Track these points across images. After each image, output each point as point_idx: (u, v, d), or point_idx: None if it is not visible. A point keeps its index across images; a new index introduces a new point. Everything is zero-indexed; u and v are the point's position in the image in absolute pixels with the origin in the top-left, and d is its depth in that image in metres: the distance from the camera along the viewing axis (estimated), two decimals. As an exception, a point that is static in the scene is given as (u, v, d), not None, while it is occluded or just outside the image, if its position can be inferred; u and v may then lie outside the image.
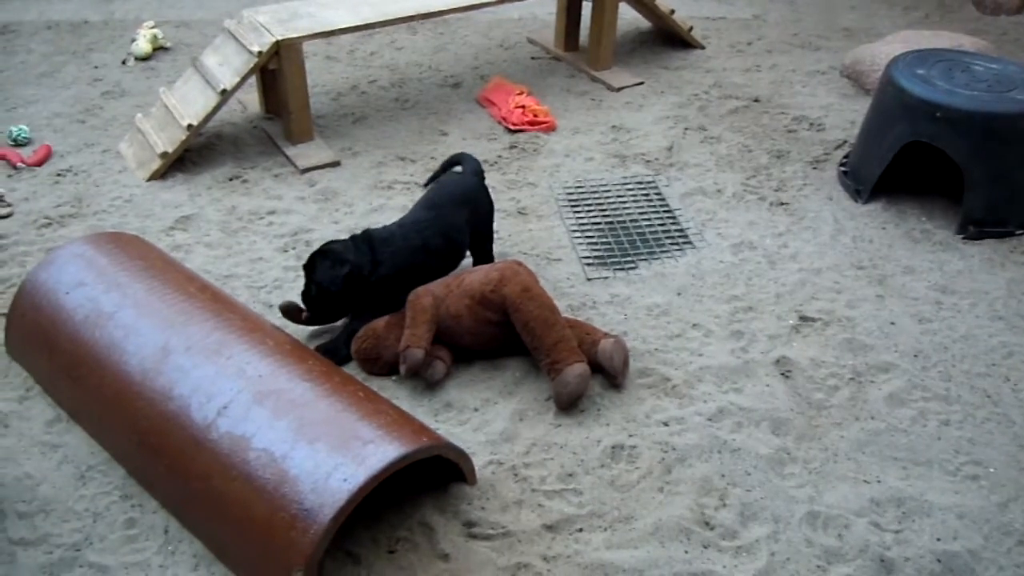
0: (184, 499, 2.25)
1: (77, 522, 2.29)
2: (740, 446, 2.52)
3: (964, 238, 3.43)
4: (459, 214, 2.98)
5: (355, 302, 2.84)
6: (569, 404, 2.61)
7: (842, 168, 3.84)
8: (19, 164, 3.77)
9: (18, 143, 3.94)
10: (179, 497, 2.27)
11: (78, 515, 2.31)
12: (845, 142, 4.09)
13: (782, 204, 3.65)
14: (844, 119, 4.32)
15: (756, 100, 4.51)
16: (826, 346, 2.89)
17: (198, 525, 2.24)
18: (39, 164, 3.79)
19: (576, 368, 2.58)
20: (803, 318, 3.01)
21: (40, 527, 2.27)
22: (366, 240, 2.86)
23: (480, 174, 3.16)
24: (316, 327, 2.94)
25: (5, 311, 2.85)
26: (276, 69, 3.78)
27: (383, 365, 2.74)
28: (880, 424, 2.61)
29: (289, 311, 2.87)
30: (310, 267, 2.81)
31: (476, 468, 2.38)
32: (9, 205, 3.47)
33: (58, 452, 2.48)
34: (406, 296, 2.78)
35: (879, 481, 2.43)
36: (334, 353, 2.81)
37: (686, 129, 4.22)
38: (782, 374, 2.78)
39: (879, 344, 2.91)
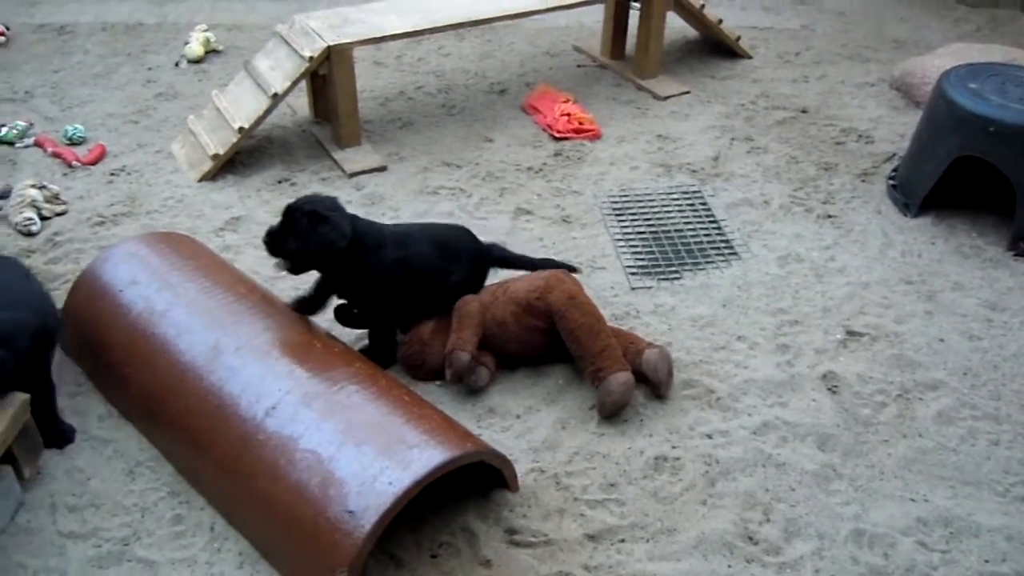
0: (231, 497, 2.28)
1: (126, 517, 2.33)
2: (785, 461, 2.50)
3: (1015, 255, 3.38)
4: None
5: (330, 272, 2.66)
6: (613, 413, 2.60)
7: (891, 181, 3.80)
8: (74, 163, 3.86)
9: (73, 142, 4.02)
10: (226, 496, 2.30)
11: (127, 510, 2.35)
12: (894, 155, 4.04)
13: (830, 217, 3.61)
14: (893, 132, 4.27)
15: (804, 111, 4.48)
16: (874, 362, 2.86)
17: (244, 523, 2.27)
18: (93, 163, 3.87)
19: (620, 376, 2.58)
20: (850, 333, 2.98)
21: (89, 521, 2.32)
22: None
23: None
24: (358, 330, 2.96)
25: (60, 306, 2.90)
26: (326, 74, 3.82)
27: (428, 371, 2.76)
28: (928, 442, 2.58)
29: (341, 316, 2.89)
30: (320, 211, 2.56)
31: (518, 475, 2.39)
32: (64, 203, 3.55)
33: (108, 447, 2.53)
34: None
35: (926, 500, 2.40)
36: (375, 357, 2.84)
37: (732, 139, 4.20)
38: (829, 389, 2.75)
39: (928, 361, 2.87)
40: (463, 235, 2.92)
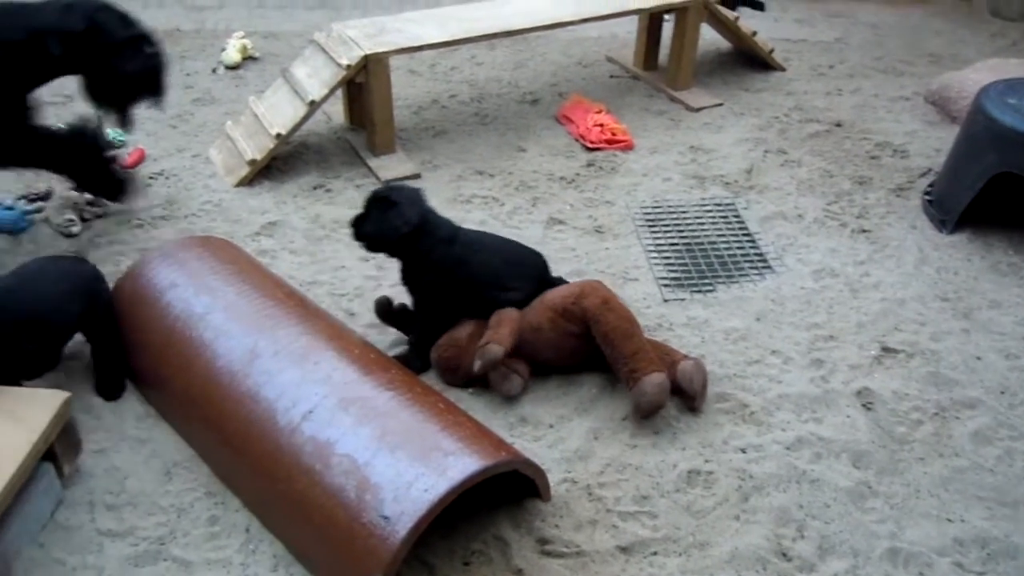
0: (266, 500, 2.30)
1: (162, 516, 2.36)
2: (819, 477, 2.48)
3: (1054, 274, 3.35)
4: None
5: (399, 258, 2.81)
6: (648, 414, 2.60)
7: (927, 197, 3.77)
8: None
9: (114, 146, 4.07)
10: (262, 498, 2.32)
11: (163, 510, 2.37)
12: (930, 170, 4.01)
13: (864, 231, 3.59)
14: (929, 146, 4.24)
15: (838, 124, 4.46)
16: (909, 379, 2.84)
17: (279, 526, 2.29)
18: (133, 167, 3.92)
19: (655, 377, 2.57)
20: (885, 349, 2.96)
21: (127, 519, 2.35)
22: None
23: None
24: (397, 337, 2.98)
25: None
26: (363, 82, 3.85)
27: (463, 374, 2.77)
28: (964, 461, 2.55)
29: (382, 309, 2.93)
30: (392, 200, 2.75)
31: (551, 485, 2.39)
32: (104, 205, 3.60)
33: (146, 447, 2.56)
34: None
35: (963, 520, 2.38)
36: (408, 363, 2.86)
37: (766, 152, 4.19)
38: (863, 405, 2.73)
39: (964, 379, 2.84)
40: (536, 261, 2.97)
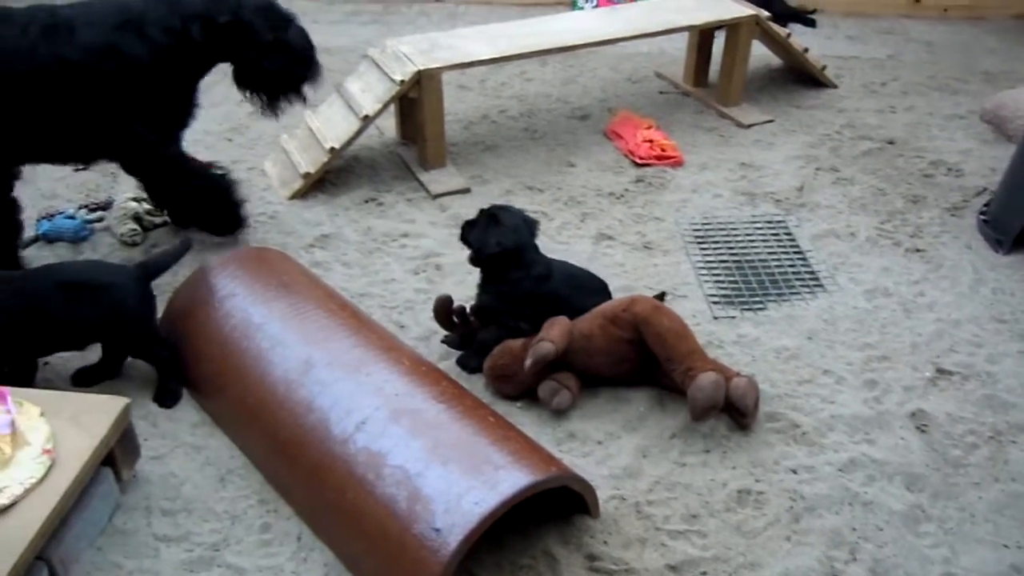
0: (319, 509, 2.33)
1: (216, 523, 2.40)
2: (872, 500, 2.45)
3: (1115, 297, 3.28)
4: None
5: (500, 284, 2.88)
6: (704, 412, 2.58)
7: (982, 216, 3.72)
8: (172, 178, 3.99)
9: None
10: (314, 506, 2.35)
11: (217, 516, 2.42)
12: (985, 189, 3.95)
13: (918, 251, 3.55)
14: (984, 166, 4.18)
15: (891, 142, 4.41)
16: (964, 401, 2.80)
17: (331, 535, 2.31)
18: (190, 178, 4.00)
19: (711, 375, 2.57)
20: (940, 371, 2.92)
21: (182, 525, 2.39)
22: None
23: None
24: (448, 346, 3.01)
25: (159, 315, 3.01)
26: (415, 97, 3.90)
27: (515, 384, 2.78)
28: (1021, 487, 2.50)
29: (442, 307, 2.97)
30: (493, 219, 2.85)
31: (599, 502, 2.39)
32: (163, 215, 3.68)
33: (201, 454, 2.60)
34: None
35: (1019, 547, 2.33)
36: (465, 363, 2.92)
37: (817, 169, 4.16)
38: (917, 428, 2.70)
39: (1021, 402, 2.79)
40: (606, 290, 3.03)
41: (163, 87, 3.10)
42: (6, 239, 3.13)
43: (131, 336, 2.75)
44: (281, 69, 3.23)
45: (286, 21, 3.21)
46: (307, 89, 3.40)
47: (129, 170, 3.32)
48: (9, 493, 2.12)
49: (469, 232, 2.90)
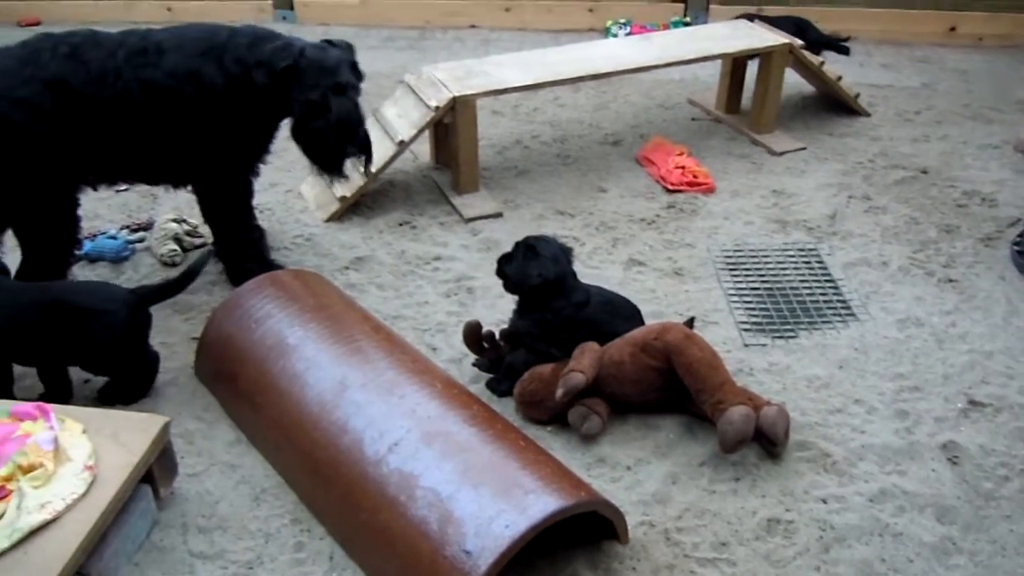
0: (351, 529, 2.37)
1: (251, 541, 2.44)
2: (903, 531, 2.45)
3: None
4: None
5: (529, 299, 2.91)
6: (734, 446, 2.58)
7: (1016, 247, 3.70)
8: (211, 199, 4.08)
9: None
10: (347, 526, 2.39)
11: (252, 534, 2.46)
12: (1019, 220, 3.93)
13: (951, 281, 3.54)
14: (1018, 196, 4.16)
15: (924, 171, 4.40)
16: (997, 433, 2.78)
17: (363, 555, 2.34)
18: (229, 200, 4.08)
19: (742, 408, 2.57)
20: (972, 402, 2.90)
21: (217, 543, 2.43)
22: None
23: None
24: (478, 368, 3.04)
25: (196, 335, 3.07)
26: (450, 123, 3.96)
27: (545, 409, 2.80)
28: (1055, 521, 2.49)
29: (472, 332, 3.00)
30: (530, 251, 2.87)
31: (628, 528, 2.40)
32: (201, 236, 3.76)
33: (236, 472, 2.65)
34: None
35: (1053, 582, 2.32)
36: (495, 387, 2.96)
37: (850, 197, 4.16)
38: (949, 459, 2.69)
39: (1056, 436, 2.78)
40: (639, 315, 3.05)
41: (237, 118, 3.15)
42: (62, 255, 3.22)
43: (110, 363, 2.83)
44: (320, 132, 3.13)
45: (341, 86, 3.09)
46: (347, 162, 3.28)
47: (201, 199, 3.39)
48: (52, 508, 2.18)
49: (507, 265, 2.93)
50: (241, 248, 3.46)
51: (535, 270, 2.83)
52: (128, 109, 3.01)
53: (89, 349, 2.77)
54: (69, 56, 2.96)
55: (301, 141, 3.20)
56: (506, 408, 2.88)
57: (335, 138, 3.14)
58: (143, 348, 2.90)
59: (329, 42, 3.21)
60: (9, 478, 2.24)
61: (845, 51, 5.76)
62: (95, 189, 3.27)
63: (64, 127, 2.95)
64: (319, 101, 3.05)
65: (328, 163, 3.25)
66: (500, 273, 2.96)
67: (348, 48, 3.24)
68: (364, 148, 3.26)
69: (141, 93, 3.01)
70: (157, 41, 3.06)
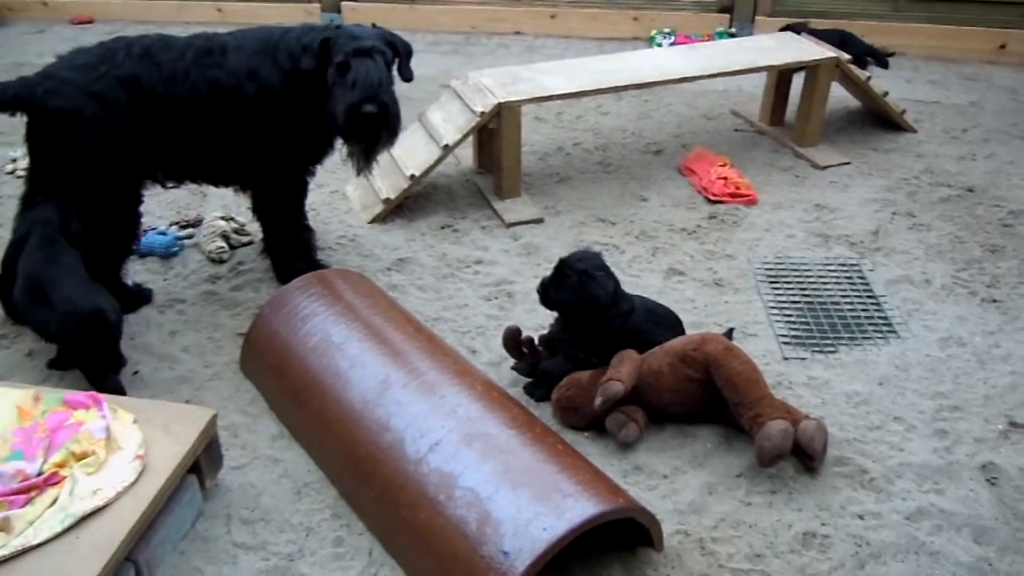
0: (391, 526, 2.41)
1: (292, 534, 2.49)
2: (939, 550, 2.44)
3: None
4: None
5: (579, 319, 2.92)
6: (771, 460, 2.59)
7: (1062, 269, 3.67)
8: (258, 198, 4.16)
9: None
10: (386, 523, 2.43)
11: (293, 527, 2.51)
12: (1066, 241, 3.90)
13: (994, 301, 3.51)
14: (1066, 217, 4.12)
15: (970, 190, 4.37)
16: (1038, 456, 2.77)
17: (401, 552, 2.38)
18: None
19: (780, 423, 2.58)
20: (1013, 424, 2.88)
21: (260, 534, 2.49)
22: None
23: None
24: (517, 373, 3.07)
25: (243, 331, 3.14)
26: (494, 128, 4.00)
27: (582, 416, 2.83)
28: (1095, 546, 2.47)
29: (511, 337, 3.02)
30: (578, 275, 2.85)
31: (664, 535, 2.42)
32: (249, 234, 3.83)
33: (279, 466, 2.71)
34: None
35: (1092, 607, 2.30)
36: (531, 391, 2.99)
37: (894, 214, 4.14)
38: (988, 480, 2.67)
39: (1098, 461, 2.75)
40: (679, 323, 3.08)
41: (294, 115, 3.22)
42: (122, 249, 3.31)
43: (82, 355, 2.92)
44: (340, 93, 3.07)
45: (364, 50, 3.06)
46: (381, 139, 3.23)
47: (257, 197, 3.49)
48: (103, 495, 2.24)
49: (558, 291, 2.88)
50: (291, 247, 3.53)
51: (598, 291, 2.83)
52: (195, 108, 3.12)
53: (67, 337, 2.89)
54: (142, 56, 3.08)
55: (329, 111, 3.12)
56: (543, 413, 2.91)
57: (353, 98, 3.03)
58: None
59: (373, 25, 3.28)
60: (62, 464, 2.31)
61: (885, 64, 5.74)
62: (164, 187, 3.37)
63: (135, 123, 3.06)
64: (342, 62, 3.06)
65: (349, 129, 3.11)
66: (551, 302, 2.91)
67: (404, 44, 3.29)
68: (383, 111, 3.10)
69: (207, 92, 3.11)
70: (222, 42, 3.18)
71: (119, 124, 3.02)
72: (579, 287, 2.84)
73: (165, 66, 3.09)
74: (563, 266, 2.89)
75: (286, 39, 3.17)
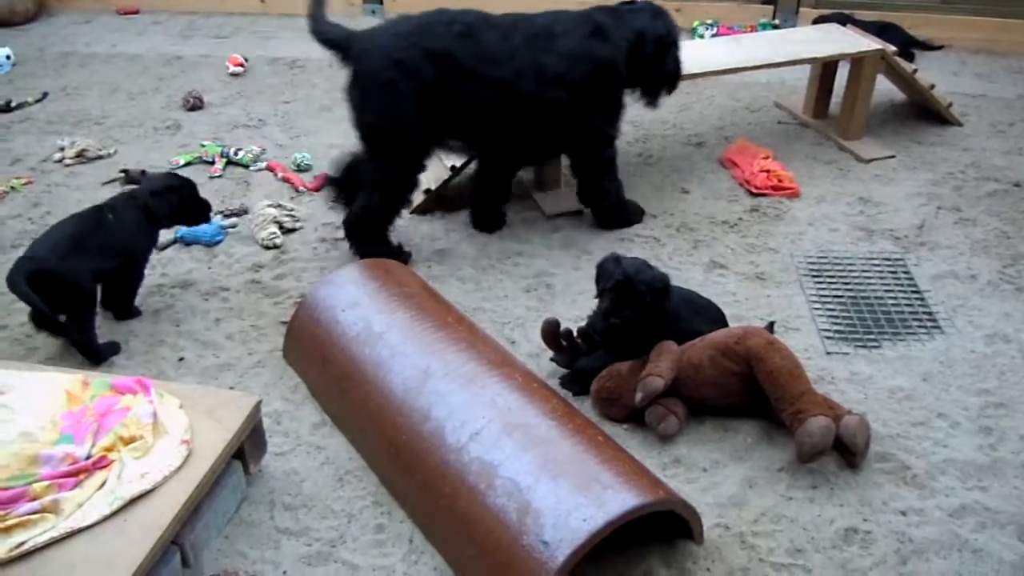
0: (431, 514, 2.43)
1: (334, 520, 2.52)
2: (982, 547, 2.41)
3: None
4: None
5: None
6: (810, 457, 2.58)
7: (1114, 265, 3.59)
8: (301, 188, 4.21)
9: (301, 169, 4.39)
10: (427, 511, 2.45)
11: (335, 514, 2.54)
12: (1115, 238, 3.82)
13: (1042, 297, 3.46)
14: (1115, 213, 4.03)
15: (1017, 185, 4.29)
16: (1086, 455, 2.72)
17: (442, 540, 2.41)
18: (317, 190, 4.20)
19: (821, 420, 2.56)
20: (1061, 422, 2.84)
21: (302, 520, 2.52)
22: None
23: None
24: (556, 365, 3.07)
25: (285, 320, 3.18)
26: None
27: (621, 407, 2.83)
28: None
29: (551, 330, 3.01)
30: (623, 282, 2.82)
31: (703, 529, 2.42)
32: (299, 220, 3.89)
33: (321, 453, 2.74)
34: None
35: None
36: (567, 383, 2.99)
37: (939, 208, 4.08)
38: (1034, 478, 2.64)
39: None
40: (720, 312, 3.12)
41: (620, 89, 3.68)
42: (392, 207, 3.60)
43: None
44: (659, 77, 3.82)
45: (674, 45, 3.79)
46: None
47: (577, 164, 3.83)
48: (150, 479, 2.28)
49: (626, 310, 2.83)
50: (602, 193, 3.88)
51: (669, 303, 2.87)
52: (515, 88, 3.39)
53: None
54: (464, 34, 3.34)
55: (660, 78, 3.84)
56: (582, 405, 2.91)
57: (667, 84, 3.87)
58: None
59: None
60: (111, 448, 2.36)
61: (934, 48, 5.76)
62: (453, 153, 3.77)
63: (436, 94, 3.32)
64: (657, 49, 3.69)
65: (652, 95, 3.92)
66: (620, 323, 2.83)
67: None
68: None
69: (534, 74, 3.40)
70: (545, 25, 3.48)
71: (416, 92, 3.29)
72: (655, 303, 2.82)
73: (487, 46, 3.35)
74: (629, 285, 2.80)
75: (606, 22, 3.56)
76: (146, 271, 3.38)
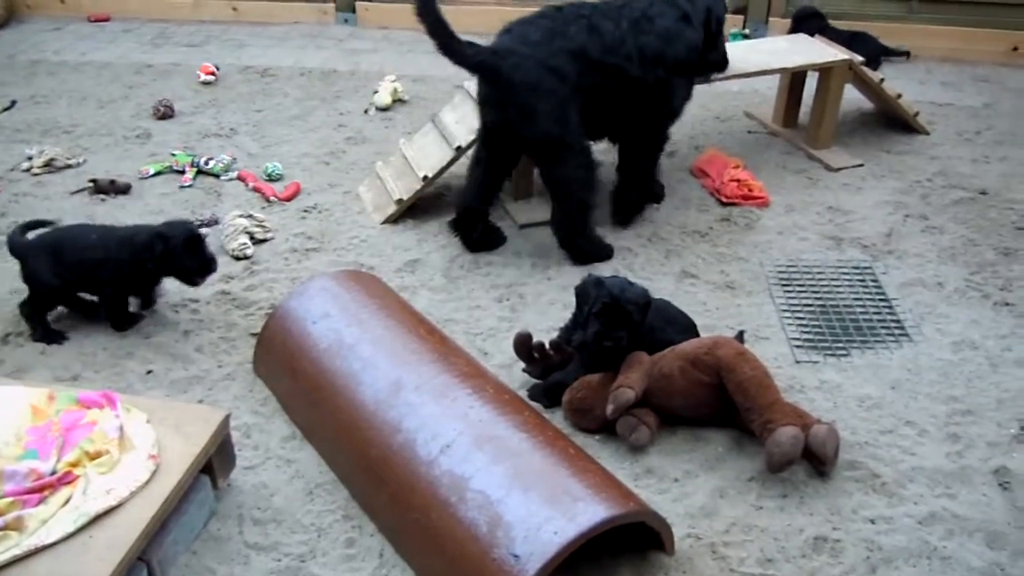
0: (402, 527, 2.42)
1: (304, 535, 2.50)
2: (951, 555, 2.43)
3: None
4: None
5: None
6: (780, 467, 2.59)
7: (1077, 273, 3.64)
8: (272, 198, 4.18)
9: (272, 178, 4.36)
10: (397, 525, 2.44)
11: (305, 528, 2.52)
12: (1080, 245, 3.87)
13: (1007, 304, 3.49)
14: (1080, 220, 4.09)
15: (983, 192, 4.35)
16: (1051, 461, 2.75)
17: (412, 554, 2.40)
18: (289, 199, 4.18)
19: (790, 430, 2.57)
20: (1026, 428, 2.88)
21: (271, 535, 2.50)
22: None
23: None
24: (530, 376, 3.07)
25: (256, 331, 3.16)
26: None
27: (594, 418, 2.83)
28: (1109, 553, 2.45)
29: (522, 343, 3.01)
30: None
31: (675, 539, 2.42)
32: (270, 230, 3.87)
33: (291, 467, 2.72)
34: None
35: (1105, 615, 2.29)
36: (537, 396, 2.98)
37: (906, 216, 4.12)
38: (1000, 485, 2.66)
39: (1112, 466, 2.73)
40: (692, 324, 3.12)
41: (696, 70, 3.89)
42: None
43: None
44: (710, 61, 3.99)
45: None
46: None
47: (633, 143, 3.96)
48: (116, 494, 2.26)
49: (616, 331, 2.80)
50: (642, 179, 4.05)
51: (640, 289, 2.89)
52: (625, 71, 3.58)
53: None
54: (590, 29, 3.52)
55: (719, 54, 4.02)
56: (554, 416, 2.91)
57: (718, 65, 4.07)
58: None
59: None
60: (76, 464, 2.33)
61: (903, 55, 5.87)
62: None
63: (577, 90, 3.49)
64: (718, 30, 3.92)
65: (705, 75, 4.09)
66: (618, 308, 2.79)
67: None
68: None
69: (637, 58, 3.58)
70: (641, 9, 3.65)
71: (569, 92, 3.47)
72: (642, 319, 2.84)
73: (607, 36, 3.53)
74: (617, 306, 2.79)
75: (694, 8, 3.76)
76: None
